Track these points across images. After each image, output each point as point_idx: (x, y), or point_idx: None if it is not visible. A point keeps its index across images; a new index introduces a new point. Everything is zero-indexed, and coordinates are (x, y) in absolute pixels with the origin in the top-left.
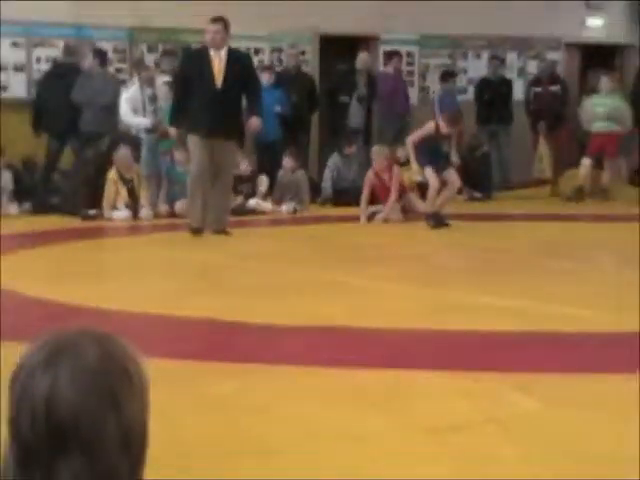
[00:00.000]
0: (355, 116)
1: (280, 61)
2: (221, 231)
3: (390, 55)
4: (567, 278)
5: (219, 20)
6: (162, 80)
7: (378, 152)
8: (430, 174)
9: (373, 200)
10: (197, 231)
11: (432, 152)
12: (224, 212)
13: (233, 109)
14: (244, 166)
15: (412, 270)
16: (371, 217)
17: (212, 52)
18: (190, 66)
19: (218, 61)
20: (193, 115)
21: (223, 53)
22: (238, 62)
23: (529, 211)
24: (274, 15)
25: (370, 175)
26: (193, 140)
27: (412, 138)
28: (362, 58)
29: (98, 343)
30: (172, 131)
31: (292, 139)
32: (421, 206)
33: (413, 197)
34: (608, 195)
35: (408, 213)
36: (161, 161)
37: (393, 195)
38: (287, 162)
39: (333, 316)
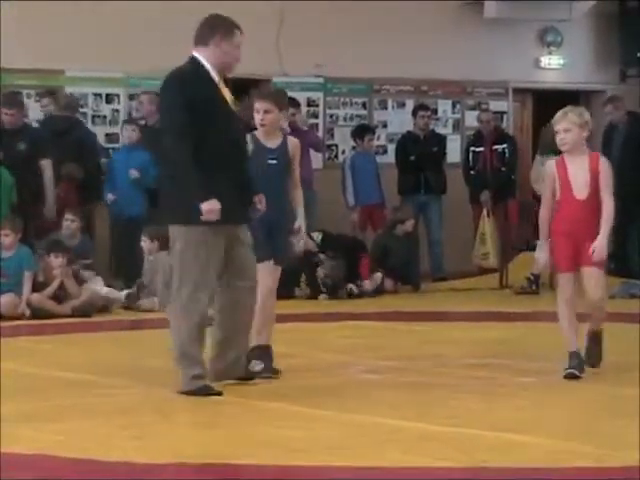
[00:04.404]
0: None
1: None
2: (248, 377)
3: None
4: (519, 397)
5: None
6: None
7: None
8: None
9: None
10: (206, 390)
11: None
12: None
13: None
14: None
15: (315, 386)
16: None
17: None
18: (196, 97)
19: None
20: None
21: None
22: None
23: (468, 308)
24: (134, 54)
25: (552, 168)
26: (197, 234)
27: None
28: None
29: None
30: (211, 210)
31: (156, 214)
32: None
33: None
34: None
35: None
36: None
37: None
38: (144, 243)
39: (209, 448)
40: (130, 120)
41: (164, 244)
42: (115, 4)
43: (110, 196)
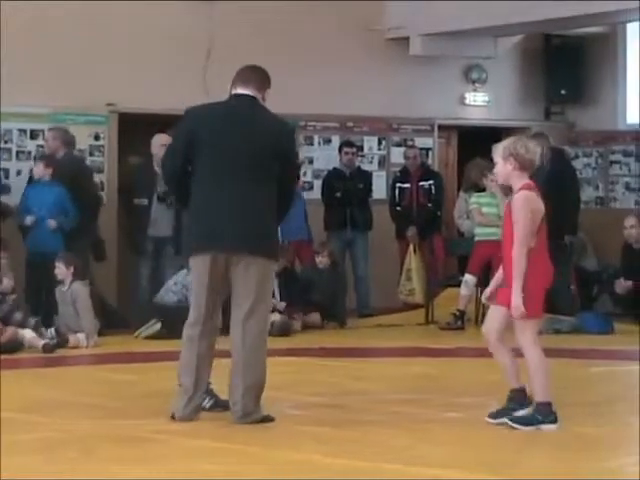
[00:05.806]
0: (160, 221)
1: None
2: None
3: None
4: (444, 432)
5: None
6: None
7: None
8: None
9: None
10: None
11: None
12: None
13: None
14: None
15: (228, 423)
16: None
17: None
18: None
19: None
20: None
21: None
22: None
23: (394, 344)
24: (62, 90)
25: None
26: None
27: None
28: (158, 142)
29: None
30: None
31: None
32: None
33: None
34: None
35: None
36: None
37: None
38: (58, 269)
39: None
40: (41, 157)
41: (78, 273)
42: (41, 38)
43: (29, 218)
